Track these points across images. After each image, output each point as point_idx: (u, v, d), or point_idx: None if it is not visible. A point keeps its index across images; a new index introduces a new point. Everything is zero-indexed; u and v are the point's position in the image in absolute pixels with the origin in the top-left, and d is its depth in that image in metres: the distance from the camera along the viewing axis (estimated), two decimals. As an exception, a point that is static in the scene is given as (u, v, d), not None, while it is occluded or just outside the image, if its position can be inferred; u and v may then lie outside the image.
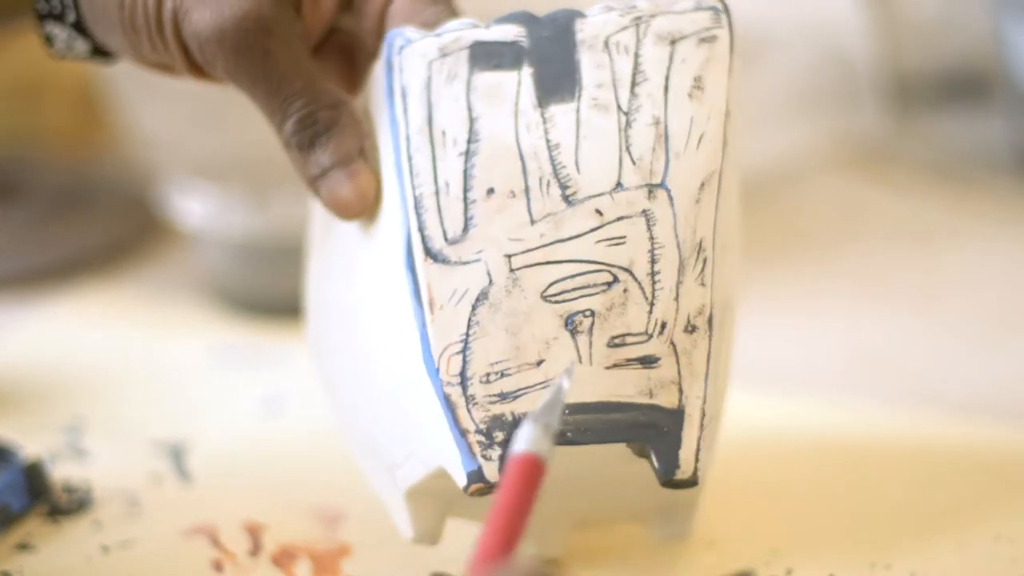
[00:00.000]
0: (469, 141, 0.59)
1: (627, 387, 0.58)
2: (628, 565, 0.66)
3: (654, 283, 0.58)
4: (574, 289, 0.58)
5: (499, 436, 0.57)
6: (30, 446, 0.74)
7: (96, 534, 0.69)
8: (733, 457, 0.65)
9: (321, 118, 0.62)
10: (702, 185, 0.59)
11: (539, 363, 0.58)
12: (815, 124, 1.12)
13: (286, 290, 0.85)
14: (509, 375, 0.58)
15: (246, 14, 0.61)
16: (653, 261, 0.59)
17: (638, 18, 0.61)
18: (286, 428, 0.78)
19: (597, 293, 0.58)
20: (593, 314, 0.58)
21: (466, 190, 0.59)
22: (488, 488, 0.57)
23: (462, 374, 0.58)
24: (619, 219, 0.59)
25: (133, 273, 0.95)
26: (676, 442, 0.58)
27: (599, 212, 0.59)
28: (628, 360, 0.58)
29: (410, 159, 0.59)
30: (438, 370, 0.58)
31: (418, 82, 0.60)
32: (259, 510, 0.70)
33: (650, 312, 0.58)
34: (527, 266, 0.58)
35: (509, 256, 0.58)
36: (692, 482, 0.58)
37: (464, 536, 0.64)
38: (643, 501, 0.64)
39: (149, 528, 0.69)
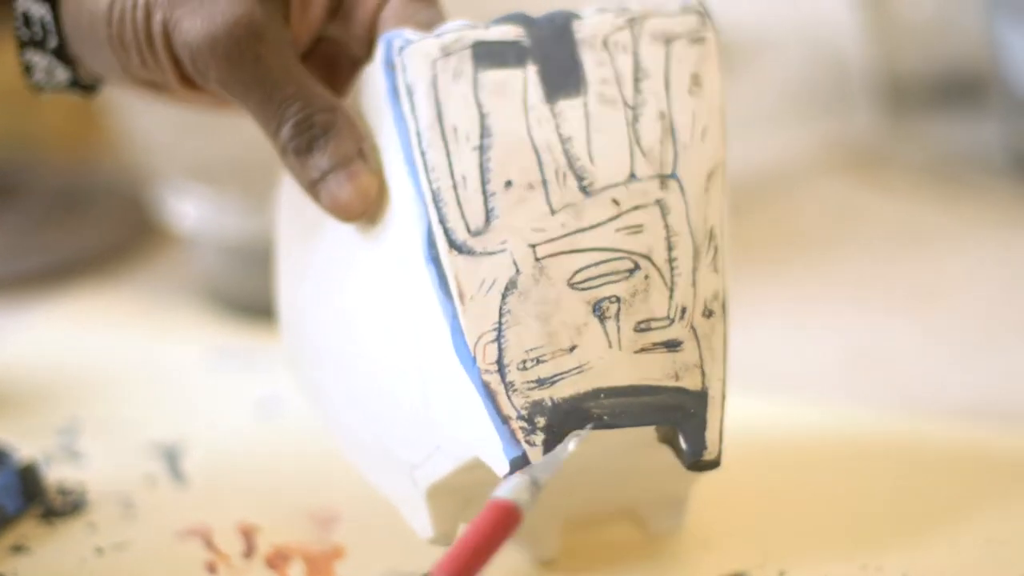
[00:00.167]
0: (482, 136, 0.60)
1: (655, 370, 0.59)
2: (621, 566, 0.66)
3: (672, 269, 0.60)
4: (599, 276, 0.60)
5: (541, 421, 0.58)
6: (25, 448, 0.74)
7: (90, 536, 0.69)
8: (728, 458, 0.65)
9: (317, 121, 0.62)
10: (709, 175, 0.61)
11: (572, 349, 0.59)
12: (809, 127, 1.12)
13: (281, 293, 0.85)
14: (544, 361, 0.59)
15: (237, 21, 0.61)
16: (670, 248, 0.60)
17: (632, 19, 0.62)
18: (280, 430, 0.78)
19: (620, 280, 0.60)
20: (619, 300, 0.59)
21: (484, 183, 0.60)
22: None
23: (499, 361, 0.58)
24: (635, 208, 0.60)
25: (129, 276, 0.95)
26: (702, 423, 0.59)
27: (616, 202, 0.60)
28: (654, 344, 0.59)
29: (423, 154, 0.60)
30: (475, 359, 0.58)
31: (424, 80, 0.61)
32: (253, 512, 0.70)
33: (671, 297, 0.60)
34: (552, 255, 0.59)
35: (533, 246, 0.59)
36: (716, 463, 0.60)
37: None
38: (637, 495, 0.65)
39: (143, 530, 0.70)
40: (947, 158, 1.05)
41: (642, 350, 0.59)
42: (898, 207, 1.02)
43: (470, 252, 0.59)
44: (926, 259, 0.95)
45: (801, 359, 0.85)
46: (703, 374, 0.60)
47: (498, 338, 0.59)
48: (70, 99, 0.69)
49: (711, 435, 0.59)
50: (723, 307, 0.61)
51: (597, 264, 0.60)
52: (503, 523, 0.56)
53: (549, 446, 0.58)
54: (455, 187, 0.60)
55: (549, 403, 0.58)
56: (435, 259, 0.59)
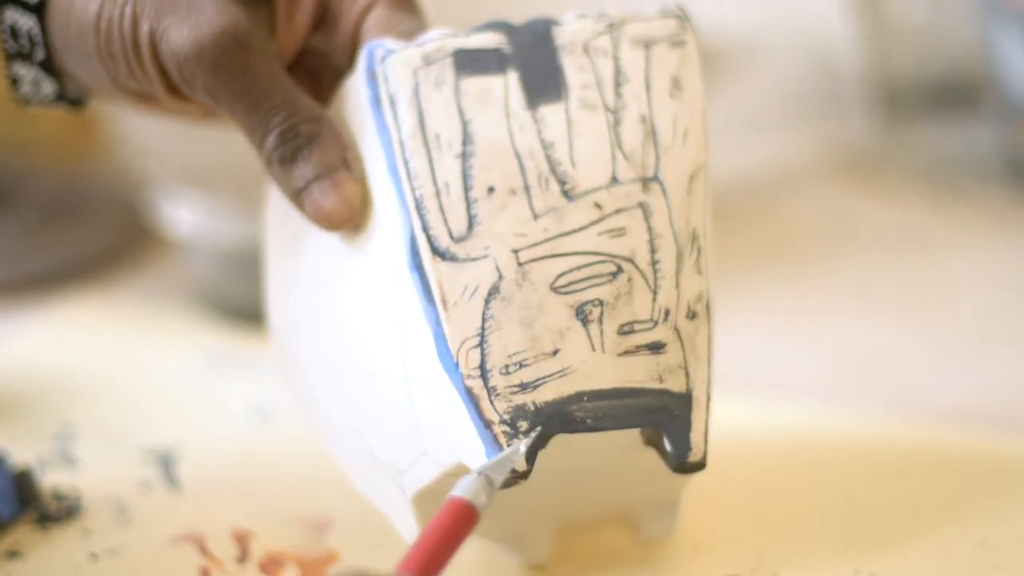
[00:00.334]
0: (464, 143, 0.61)
1: (638, 373, 0.59)
2: (614, 571, 0.66)
3: (655, 272, 0.60)
4: (581, 280, 0.60)
5: (523, 425, 0.58)
6: (20, 453, 0.74)
7: (85, 541, 0.69)
8: (721, 463, 0.65)
9: (303, 131, 0.62)
10: (691, 178, 0.62)
11: (555, 352, 0.59)
12: (804, 131, 1.12)
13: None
14: (527, 365, 0.59)
15: (223, 30, 0.61)
16: (653, 250, 0.60)
17: (611, 24, 0.63)
18: (274, 436, 0.78)
19: (603, 283, 0.60)
20: (602, 303, 0.60)
21: (467, 190, 0.60)
22: (514, 478, 0.58)
23: (481, 367, 0.59)
24: (618, 211, 0.61)
25: (123, 281, 0.95)
26: (687, 425, 0.59)
27: (598, 205, 0.61)
28: (638, 346, 0.60)
29: (406, 163, 0.60)
30: (457, 364, 0.58)
31: (406, 89, 0.61)
32: (247, 517, 0.70)
33: (654, 300, 0.60)
34: (534, 260, 0.60)
35: (516, 251, 0.60)
36: (702, 464, 0.60)
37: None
38: (629, 498, 0.65)
39: (138, 536, 0.70)
40: (941, 163, 1.05)
41: (626, 352, 0.59)
42: (892, 212, 1.02)
43: (453, 258, 0.60)
44: (920, 263, 0.96)
45: (795, 363, 0.85)
46: (687, 376, 0.60)
47: (481, 343, 0.59)
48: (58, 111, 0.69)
49: (696, 437, 0.59)
50: (707, 309, 0.61)
51: (580, 268, 0.60)
52: (462, 523, 0.56)
53: (532, 450, 0.58)
54: (438, 194, 0.60)
55: (532, 407, 0.58)
56: (418, 266, 0.60)
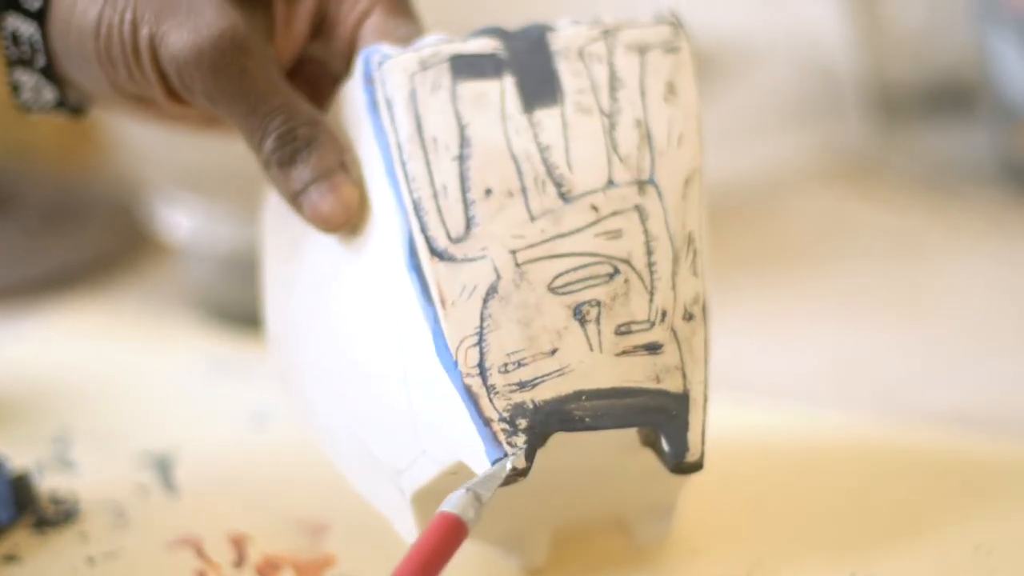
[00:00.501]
0: (461, 146, 0.61)
1: (636, 373, 0.60)
2: (610, 575, 0.66)
3: (652, 273, 0.61)
4: (579, 281, 0.60)
5: (522, 423, 0.58)
6: (17, 457, 0.74)
7: (82, 546, 0.69)
8: (717, 466, 0.65)
9: (300, 134, 0.62)
10: (686, 181, 0.62)
11: (553, 352, 0.59)
12: (800, 136, 1.12)
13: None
14: (525, 364, 0.59)
15: (222, 33, 0.62)
16: (649, 252, 0.61)
17: (606, 31, 0.63)
18: (271, 440, 0.78)
19: (600, 284, 0.60)
20: (599, 304, 0.60)
21: (464, 192, 0.61)
22: (514, 475, 0.58)
23: (480, 365, 0.59)
24: (614, 214, 0.61)
25: (121, 286, 0.95)
26: (684, 425, 0.60)
27: (595, 208, 0.61)
28: (635, 347, 0.60)
29: (404, 165, 0.61)
30: (456, 363, 0.59)
31: (403, 93, 0.62)
32: (244, 521, 0.70)
33: (651, 301, 0.60)
34: (532, 260, 0.60)
35: (514, 252, 0.60)
36: (699, 465, 0.60)
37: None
38: (626, 502, 0.65)
39: (135, 540, 0.70)
40: (938, 167, 1.05)
41: (623, 353, 0.60)
42: (888, 216, 1.02)
43: (451, 259, 0.60)
44: (917, 267, 0.96)
45: (791, 367, 0.85)
46: (684, 376, 0.60)
47: (479, 342, 0.59)
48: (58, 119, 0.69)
49: (693, 437, 0.60)
50: (703, 310, 0.61)
51: (577, 269, 0.60)
52: (451, 537, 0.57)
53: (531, 448, 0.58)
54: (435, 196, 0.60)
55: (531, 405, 0.59)
56: (417, 267, 0.60)
